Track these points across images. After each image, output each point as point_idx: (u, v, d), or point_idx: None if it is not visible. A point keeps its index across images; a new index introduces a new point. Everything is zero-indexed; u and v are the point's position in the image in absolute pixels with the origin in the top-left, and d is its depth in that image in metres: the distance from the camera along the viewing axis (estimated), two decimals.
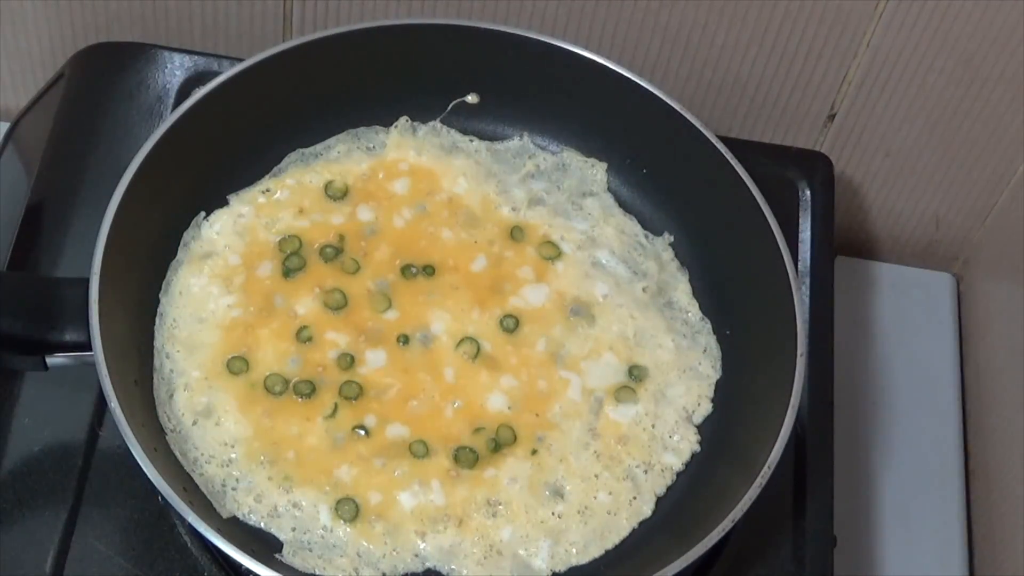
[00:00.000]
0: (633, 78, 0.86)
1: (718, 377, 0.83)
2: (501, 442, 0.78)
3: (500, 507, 0.76)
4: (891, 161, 1.04)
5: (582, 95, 0.88)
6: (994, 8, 0.92)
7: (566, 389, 0.81)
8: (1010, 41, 0.94)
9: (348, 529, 0.75)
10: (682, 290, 0.86)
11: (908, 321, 1.05)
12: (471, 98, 0.89)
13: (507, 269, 0.84)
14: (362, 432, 0.77)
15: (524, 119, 0.90)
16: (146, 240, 0.80)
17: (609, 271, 0.85)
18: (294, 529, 0.75)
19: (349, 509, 0.75)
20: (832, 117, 1.01)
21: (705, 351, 0.83)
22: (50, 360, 0.75)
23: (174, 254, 0.82)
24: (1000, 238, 1.04)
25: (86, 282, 0.74)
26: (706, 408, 0.82)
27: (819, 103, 1.00)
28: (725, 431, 0.81)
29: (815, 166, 0.96)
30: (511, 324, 0.82)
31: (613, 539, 0.77)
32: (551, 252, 0.85)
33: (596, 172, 0.89)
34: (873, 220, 1.09)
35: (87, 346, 0.73)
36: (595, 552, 0.76)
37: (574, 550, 0.76)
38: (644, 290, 0.85)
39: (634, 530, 0.78)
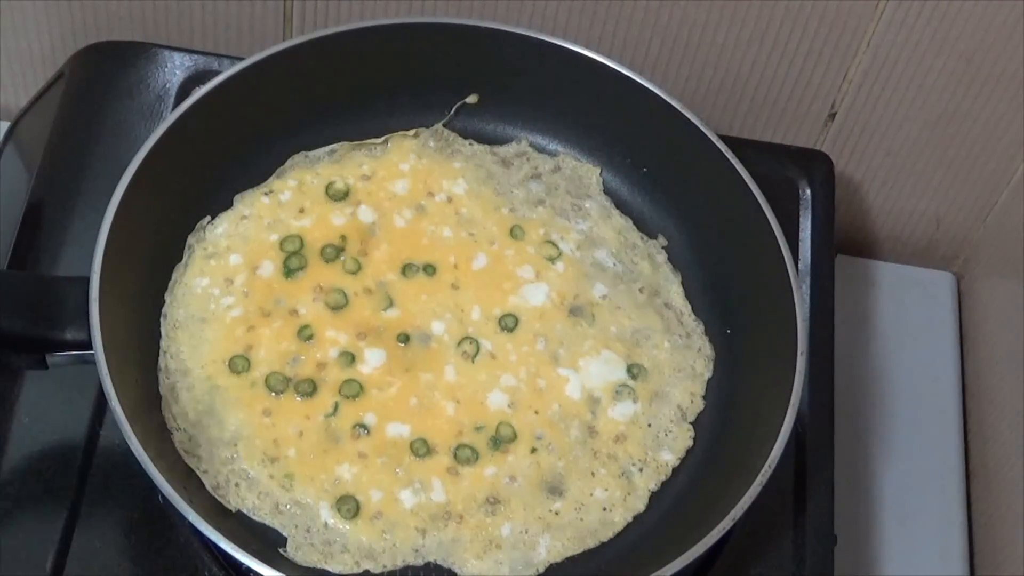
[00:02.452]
0: (633, 76, 0.86)
1: (710, 376, 0.83)
2: (501, 440, 0.78)
3: (500, 505, 0.77)
4: (891, 160, 1.04)
5: (582, 94, 0.88)
6: (994, 8, 0.92)
7: (565, 387, 0.81)
8: (1010, 41, 0.94)
9: (349, 526, 0.75)
10: (675, 292, 0.86)
11: (908, 320, 1.05)
12: (471, 99, 0.89)
13: (507, 268, 0.84)
14: (363, 431, 0.77)
15: (524, 118, 0.90)
16: (147, 239, 0.80)
17: (608, 271, 0.85)
18: (296, 526, 0.75)
19: (350, 507, 0.75)
20: (832, 116, 1.01)
21: (699, 351, 0.84)
22: (50, 359, 0.75)
23: (176, 253, 0.82)
24: (1000, 237, 1.04)
25: (87, 281, 0.74)
26: (699, 405, 0.82)
27: (819, 102, 1.00)
28: (725, 431, 0.81)
29: (815, 165, 0.96)
30: (511, 323, 0.82)
31: (608, 532, 0.78)
32: (551, 252, 0.85)
33: (591, 176, 0.89)
34: (873, 219, 1.09)
35: (87, 345, 0.73)
36: (591, 543, 0.77)
37: (571, 543, 0.77)
38: (641, 291, 0.85)
39: (634, 529, 0.78)
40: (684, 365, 0.83)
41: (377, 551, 0.75)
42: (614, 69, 0.86)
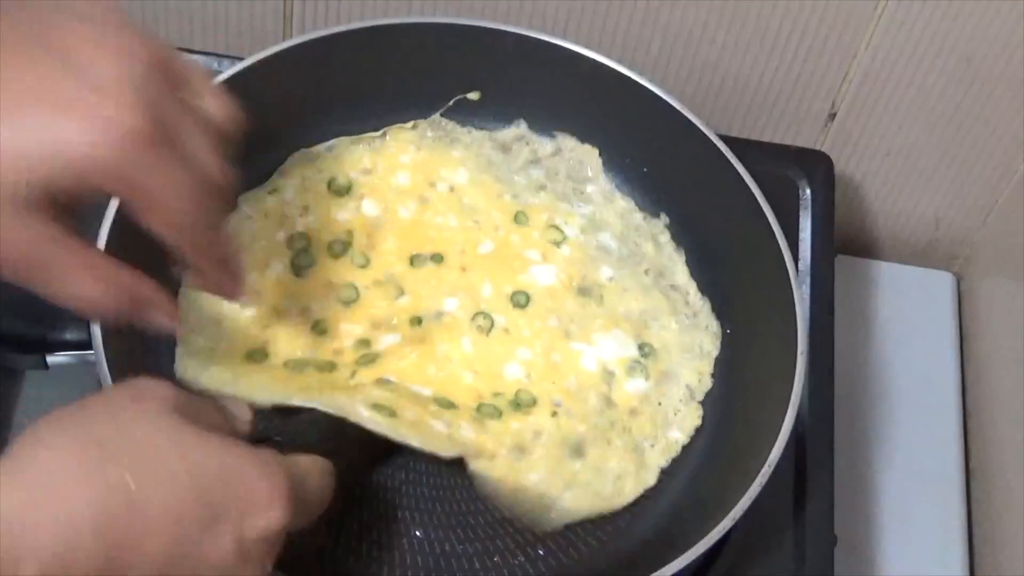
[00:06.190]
0: (633, 77, 0.86)
1: (718, 354, 0.83)
2: (522, 404, 0.79)
3: (526, 454, 0.77)
4: (891, 160, 1.04)
5: (582, 93, 0.88)
6: (994, 8, 0.92)
7: (580, 360, 0.81)
8: (1010, 41, 0.94)
9: (388, 422, 0.73)
10: (680, 271, 0.86)
11: (908, 321, 1.05)
12: (472, 95, 0.89)
13: (514, 251, 0.85)
14: (387, 384, 0.77)
15: (523, 118, 0.90)
16: (148, 238, 0.79)
17: (613, 254, 0.86)
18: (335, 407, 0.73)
19: (386, 410, 0.74)
20: (833, 116, 1.01)
21: (707, 328, 0.84)
22: (50, 359, 0.75)
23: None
24: (1000, 237, 1.04)
25: None
26: (707, 384, 0.83)
27: (820, 102, 1.00)
28: (725, 430, 0.81)
29: (816, 165, 0.96)
30: (522, 300, 0.83)
31: (619, 501, 0.78)
32: (556, 236, 0.86)
33: (591, 158, 0.89)
34: (873, 219, 1.09)
35: (87, 345, 0.72)
36: (604, 509, 0.77)
37: (587, 504, 0.77)
38: (647, 272, 0.86)
39: (634, 529, 0.78)
40: (692, 345, 0.83)
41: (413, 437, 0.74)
42: (614, 69, 0.86)
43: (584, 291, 0.84)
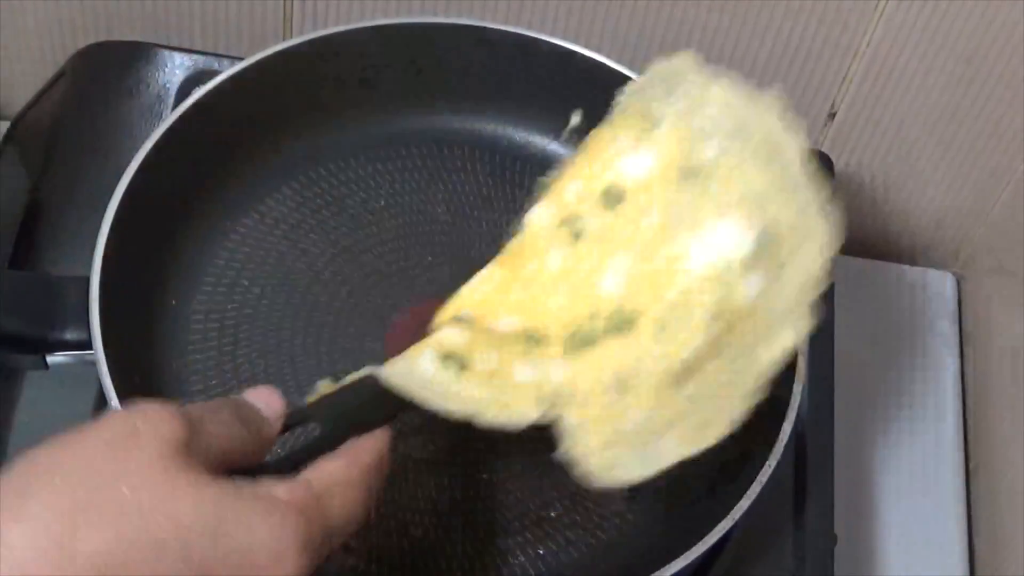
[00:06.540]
0: (634, 77, 0.86)
1: (835, 251, 0.70)
2: (619, 326, 0.68)
3: (628, 391, 0.67)
4: (891, 160, 1.04)
5: (582, 93, 0.88)
6: (994, 8, 0.92)
7: (685, 263, 0.69)
8: (1010, 41, 0.94)
9: (455, 378, 0.65)
10: (794, 151, 0.72)
11: (908, 320, 1.05)
12: (575, 119, 0.87)
13: (599, 145, 0.73)
14: (465, 316, 0.70)
15: (525, 117, 0.90)
16: (148, 238, 0.80)
17: (719, 127, 0.72)
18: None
19: (455, 361, 0.65)
20: (832, 116, 1.01)
21: (822, 216, 0.70)
22: (50, 359, 0.75)
23: (177, 250, 0.82)
24: (1001, 237, 1.04)
25: (87, 281, 0.73)
26: (824, 280, 0.69)
27: (819, 102, 1.00)
28: None
29: (815, 165, 0.96)
30: (614, 198, 0.72)
31: (717, 431, 0.66)
32: (646, 124, 0.72)
33: (685, 60, 0.75)
34: (873, 219, 1.09)
35: (87, 345, 0.72)
36: (707, 442, 0.66)
37: (687, 443, 0.66)
38: (760, 145, 0.71)
39: (632, 529, 0.78)
40: (809, 231, 0.70)
41: (486, 406, 0.65)
42: (614, 69, 0.86)
43: (688, 173, 0.70)
